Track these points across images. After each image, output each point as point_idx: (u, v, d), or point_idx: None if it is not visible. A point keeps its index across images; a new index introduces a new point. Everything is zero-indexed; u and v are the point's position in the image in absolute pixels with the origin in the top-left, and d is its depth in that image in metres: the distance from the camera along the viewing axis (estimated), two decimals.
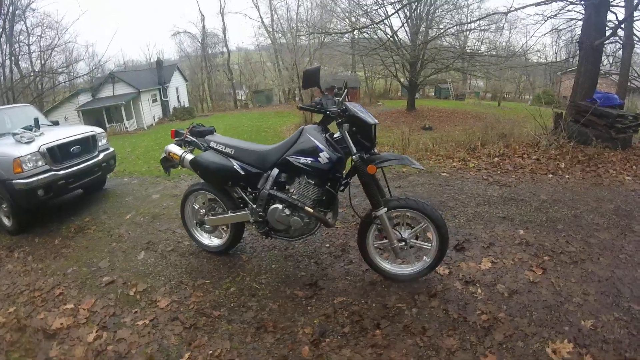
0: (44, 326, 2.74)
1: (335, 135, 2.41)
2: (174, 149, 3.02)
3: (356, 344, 2.09)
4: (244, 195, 2.81)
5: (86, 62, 28.52)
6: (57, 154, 4.44)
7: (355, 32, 18.49)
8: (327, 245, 3.23)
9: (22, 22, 19.49)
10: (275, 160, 2.55)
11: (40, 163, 4.28)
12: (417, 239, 2.45)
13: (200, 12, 59.77)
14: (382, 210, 2.34)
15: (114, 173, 6.70)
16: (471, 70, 21.44)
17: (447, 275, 2.61)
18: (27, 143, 4.34)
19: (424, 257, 2.45)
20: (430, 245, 2.39)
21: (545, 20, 8.00)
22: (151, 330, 2.50)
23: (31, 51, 20.54)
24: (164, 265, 3.28)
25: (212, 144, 2.87)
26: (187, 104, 28.59)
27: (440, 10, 18.44)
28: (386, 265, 2.58)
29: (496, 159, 5.50)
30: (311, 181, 2.42)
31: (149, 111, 23.94)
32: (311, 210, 2.44)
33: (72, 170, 4.58)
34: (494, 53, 18.75)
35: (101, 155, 5.09)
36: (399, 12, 9.95)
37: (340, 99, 2.34)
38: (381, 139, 10.55)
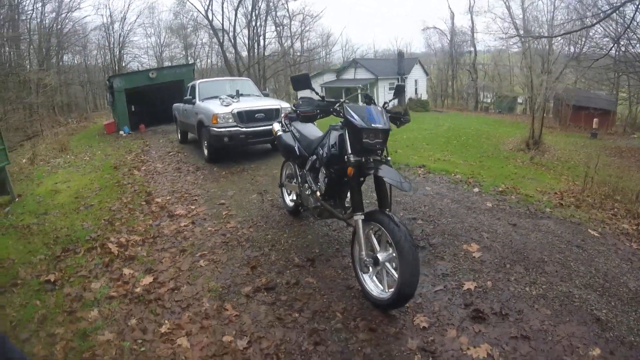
0: (172, 210, 4.51)
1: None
2: (276, 126, 4.09)
3: (274, 310, 2.50)
4: (297, 171, 3.56)
5: (341, 46, 35.52)
6: (244, 116, 6.59)
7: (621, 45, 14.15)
8: None
9: (285, 9, 26.62)
10: (314, 148, 3.15)
11: (230, 121, 6.55)
12: (395, 267, 2.30)
13: (450, 9, 60.13)
14: (358, 216, 2.41)
15: None
16: None
17: (418, 330, 2.26)
18: (226, 105, 6.64)
19: (391, 290, 2.30)
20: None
21: None
22: (209, 234, 3.83)
23: (292, 33, 27.61)
24: (256, 206, 4.53)
25: (292, 128, 3.72)
26: (424, 97, 30.58)
27: None
28: (362, 277, 2.52)
29: None
30: (324, 171, 2.87)
31: (384, 98, 27.45)
32: (317, 195, 2.91)
33: (252, 130, 6.57)
34: None
35: None
36: None
37: (342, 100, 2.64)
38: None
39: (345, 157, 2.46)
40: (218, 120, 6.49)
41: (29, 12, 21.59)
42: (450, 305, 2.48)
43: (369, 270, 2.46)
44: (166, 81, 13.89)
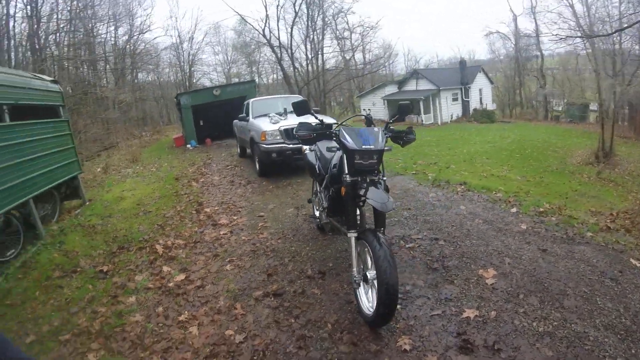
0: (217, 220, 5.13)
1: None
2: (305, 145, 4.39)
3: (275, 314, 2.83)
4: (317, 188, 3.90)
5: (404, 56, 35.90)
6: (290, 133, 7.06)
7: None
8: None
9: (345, 22, 28.02)
10: (329, 167, 3.42)
11: (278, 137, 7.13)
12: None
13: (512, 11, 56.08)
14: (351, 234, 2.60)
15: None
16: None
17: (398, 352, 2.31)
18: (274, 123, 7.24)
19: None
20: None
21: None
22: (242, 243, 4.33)
23: (353, 46, 29.12)
24: (291, 220, 4.96)
25: (315, 147, 4.06)
26: (489, 107, 29.68)
27: None
28: (357, 292, 2.67)
29: None
30: (331, 189, 3.14)
31: (447, 109, 27.16)
32: (325, 212, 3.19)
33: (298, 146, 6.99)
34: None
35: None
36: None
37: (340, 123, 2.94)
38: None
39: (342, 177, 2.69)
40: (266, 137, 7.12)
41: (103, 35, 25.42)
42: (442, 331, 2.47)
43: (360, 286, 2.63)
44: (230, 98, 15.26)
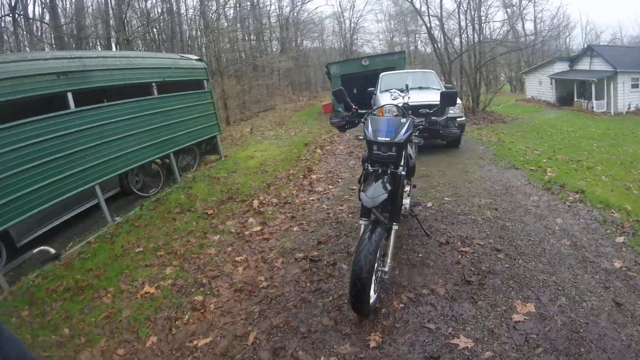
0: (314, 187, 6.02)
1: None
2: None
3: (299, 275, 3.36)
4: None
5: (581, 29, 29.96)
6: (407, 110, 7.05)
7: None
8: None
9: None
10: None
11: (395, 114, 7.12)
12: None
13: None
14: (362, 221, 2.78)
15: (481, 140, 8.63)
16: None
17: (363, 344, 2.44)
18: (393, 99, 7.26)
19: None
20: None
21: None
22: (320, 210, 4.97)
23: (522, 12, 25.32)
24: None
25: None
26: None
27: None
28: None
29: None
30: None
31: (623, 96, 22.04)
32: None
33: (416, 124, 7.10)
34: None
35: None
36: None
37: (370, 111, 3.10)
38: None
39: (364, 166, 2.88)
40: (384, 112, 7.36)
41: (267, 7, 29.11)
42: (418, 346, 2.41)
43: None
44: (378, 68, 15.44)
